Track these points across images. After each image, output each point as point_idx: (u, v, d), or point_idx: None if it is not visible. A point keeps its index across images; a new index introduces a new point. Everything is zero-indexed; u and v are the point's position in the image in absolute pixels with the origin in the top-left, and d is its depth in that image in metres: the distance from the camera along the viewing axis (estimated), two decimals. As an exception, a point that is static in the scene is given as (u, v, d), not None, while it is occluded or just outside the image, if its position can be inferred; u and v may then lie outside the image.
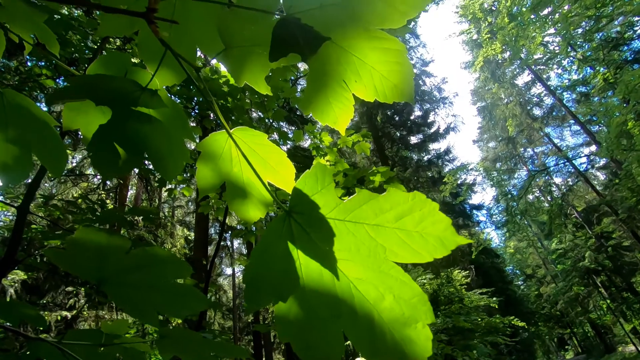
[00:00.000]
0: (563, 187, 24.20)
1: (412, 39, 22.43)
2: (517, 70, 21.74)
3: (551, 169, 19.61)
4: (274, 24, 0.64)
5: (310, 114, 0.71)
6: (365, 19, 0.59)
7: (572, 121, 22.73)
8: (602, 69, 12.80)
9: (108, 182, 11.34)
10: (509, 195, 17.25)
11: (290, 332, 0.46)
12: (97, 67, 0.78)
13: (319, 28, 0.62)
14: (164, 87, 0.88)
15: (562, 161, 19.18)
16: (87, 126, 0.84)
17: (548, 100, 23.63)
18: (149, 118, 0.74)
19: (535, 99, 24.03)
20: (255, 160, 0.68)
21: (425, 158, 20.05)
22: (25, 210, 3.48)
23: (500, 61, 21.35)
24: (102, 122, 0.76)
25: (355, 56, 0.64)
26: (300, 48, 0.64)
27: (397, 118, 20.16)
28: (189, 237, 14.53)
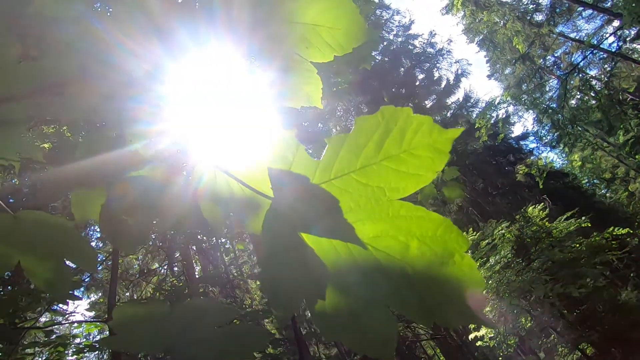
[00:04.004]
0: (603, 76, 22.18)
1: (384, 11, 22.10)
2: (499, -12, 20.65)
3: (581, 64, 18.07)
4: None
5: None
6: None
7: (580, 8, 21.01)
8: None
9: (175, 268, 11.89)
10: (550, 111, 16.10)
11: (336, 328, 0.39)
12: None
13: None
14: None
15: (588, 52, 17.68)
16: (95, 211, 0.86)
17: (545, 0, 22.12)
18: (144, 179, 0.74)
19: (531, 5, 22.57)
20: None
21: (448, 114, 19.33)
22: (112, 321, 3.69)
23: (478, -12, 20.43)
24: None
25: (296, 22, 0.59)
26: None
27: (403, 91, 19.70)
28: (264, 285, 14.78)
